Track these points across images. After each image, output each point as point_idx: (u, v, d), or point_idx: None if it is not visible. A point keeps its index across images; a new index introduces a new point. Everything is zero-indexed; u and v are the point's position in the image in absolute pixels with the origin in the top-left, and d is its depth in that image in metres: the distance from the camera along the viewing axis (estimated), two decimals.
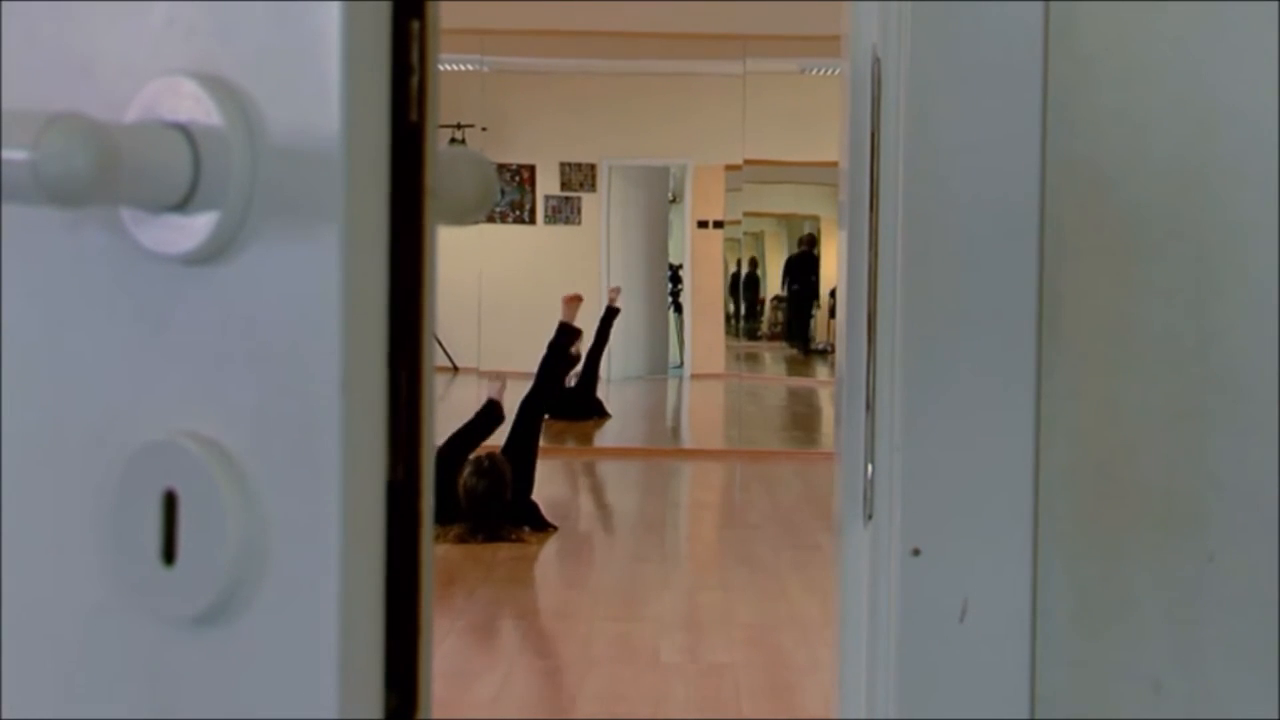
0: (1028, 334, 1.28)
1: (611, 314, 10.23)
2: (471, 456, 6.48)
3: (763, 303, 12.02)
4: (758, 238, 11.84)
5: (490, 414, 6.97)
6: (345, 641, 0.56)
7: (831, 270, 11.56)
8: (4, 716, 0.64)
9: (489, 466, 6.42)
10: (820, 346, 12.02)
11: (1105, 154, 1.27)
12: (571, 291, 8.14)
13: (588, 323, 9.58)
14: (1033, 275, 1.28)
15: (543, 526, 6.70)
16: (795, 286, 11.88)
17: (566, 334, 7.68)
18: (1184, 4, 1.27)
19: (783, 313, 12.09)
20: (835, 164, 1.54)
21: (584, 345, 8.65)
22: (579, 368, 9.34)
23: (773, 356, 12.09)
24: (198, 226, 0.58)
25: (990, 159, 1.28)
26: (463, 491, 6.35)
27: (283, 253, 0.57)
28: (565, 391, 9.76)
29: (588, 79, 10.76)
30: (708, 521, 8.07)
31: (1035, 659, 1.29)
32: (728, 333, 11.44)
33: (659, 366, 11.84)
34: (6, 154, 0.53)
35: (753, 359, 11.79)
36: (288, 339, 0.57)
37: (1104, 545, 1.29)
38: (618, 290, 10.63)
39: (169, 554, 0.59)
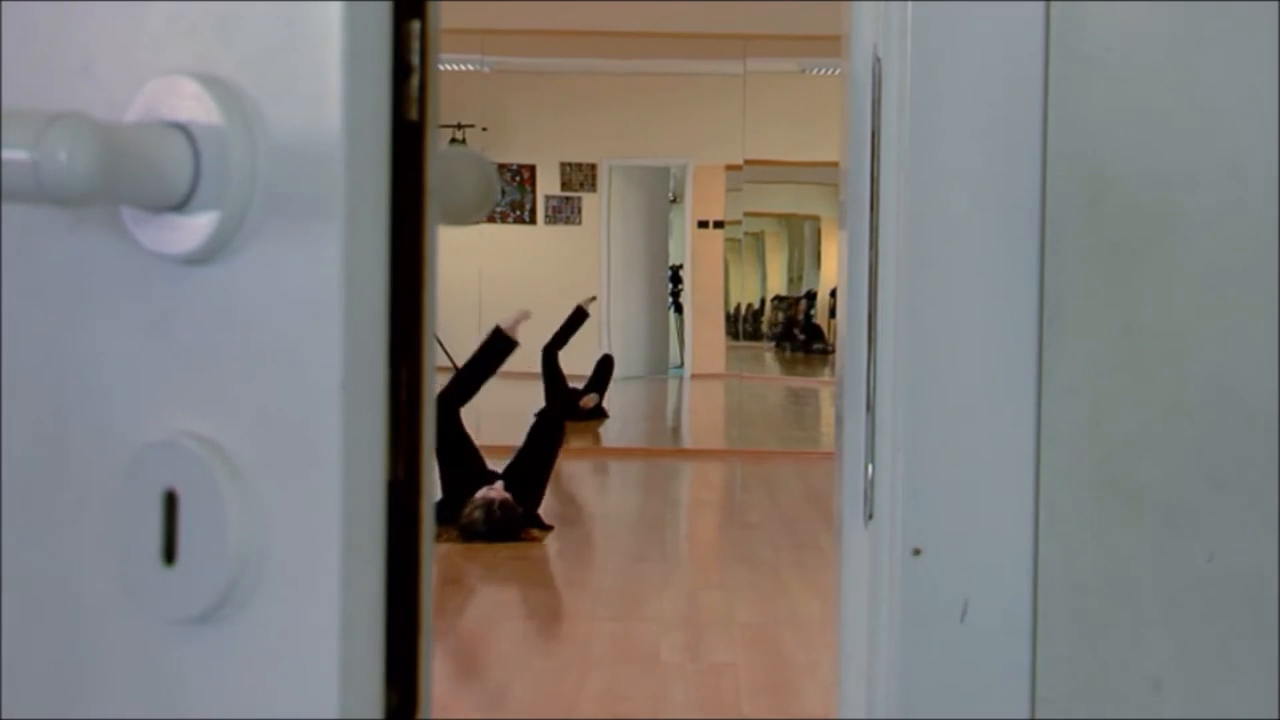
0: (1028, 334, 1.28)
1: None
2: (480, 496, 6.23)
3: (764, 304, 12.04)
4: (758, 238, 11.84)
5: (495, 344, 6.53)
6: (345, 641, 0.56)
7: (831, 270, 11.57)
8: (4, 716, 0.64)
9: (500, 516, 6.23)
10: (820, 346, 12.04)
11: (1105, 154, 1.27)
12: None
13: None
14: (1033, 275, 1.28)
15: (544, 526, 6.69)
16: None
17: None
18: (1184, 4, 1.27)
19: (782, 312, 12.13)
20: (835, 164, 1.53)
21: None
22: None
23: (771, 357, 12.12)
24: (198, 226, 0.58)
25: (990, 159, 1.28)
26: (464, 522, 6.20)
27: (283, 252, 0.57)
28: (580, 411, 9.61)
29: (588, 79, 10.76)
30: (708, 521, 8.07)
31: (1035, 659, 1.29)
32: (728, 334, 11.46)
33: (659, 367, 11.84)
34: (7, 154, 0.53)
35: (755, 359, 11.81)
36: (288, 339, 0.57)
37: (1104, 545, 1.29)
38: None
39: (169, 554, 0.59)
